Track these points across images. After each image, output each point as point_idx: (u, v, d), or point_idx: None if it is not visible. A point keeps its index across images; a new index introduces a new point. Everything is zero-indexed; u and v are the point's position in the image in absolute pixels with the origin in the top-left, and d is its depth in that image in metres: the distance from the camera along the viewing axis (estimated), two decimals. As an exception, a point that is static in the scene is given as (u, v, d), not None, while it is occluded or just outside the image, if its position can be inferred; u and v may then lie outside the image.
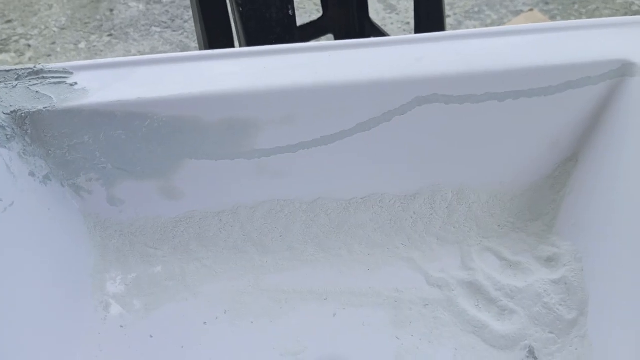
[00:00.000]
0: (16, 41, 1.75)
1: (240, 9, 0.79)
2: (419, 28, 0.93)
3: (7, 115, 0.46)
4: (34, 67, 0.49)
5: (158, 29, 1.71)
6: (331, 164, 0.48)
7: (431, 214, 0.48)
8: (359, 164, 0.48)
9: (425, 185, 0.48)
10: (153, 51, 1.63)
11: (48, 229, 0.47)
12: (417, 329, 0.44)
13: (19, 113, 0.46)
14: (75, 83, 0.47)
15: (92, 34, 1.73)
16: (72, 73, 0.48)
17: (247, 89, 0.45)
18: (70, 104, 0.45)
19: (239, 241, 0.50)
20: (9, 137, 0.46)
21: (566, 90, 0.45)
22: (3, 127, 0.46)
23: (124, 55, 1.63)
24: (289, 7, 0.80)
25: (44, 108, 0.46)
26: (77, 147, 0.47)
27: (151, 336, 0.46)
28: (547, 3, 1.61)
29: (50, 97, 0.46)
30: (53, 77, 0.48)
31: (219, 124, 0.46)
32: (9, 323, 0.41)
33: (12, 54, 1.72)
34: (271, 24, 0.80)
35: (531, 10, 1.57)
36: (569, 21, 0.47)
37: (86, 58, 1.64)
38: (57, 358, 0.44)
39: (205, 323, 0.46)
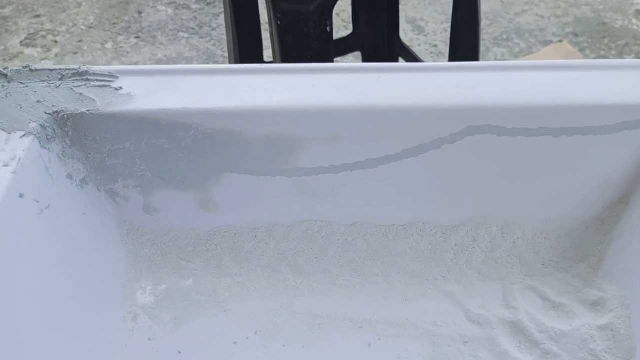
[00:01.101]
0: (43, 37, 1.76)
1: (279, 22, 0.78)
2: (455, 51, 0.92)
3: (49, 116, 0.45)
4: (79, 68, 0.49)
5: (185, 35, 1.72)
6: (373, 188, 0.47)
7: (473, 247, 0.47)
8: (402, 190, 0.47)
9: (470, 217, 0.47)
10: (179, 56, 1.64)
11: (82, 234, 0.46)
12: (454, 366, 0.42)
13: (61, 114, 0.45)
14: (121, 88, 0.46)
15: (120, 34, 1.74)
16: (117, 77, 0.47)
17: (294, 106, 0.44)
18: (114, 108, 0.45)
19: (273, 260, 0.49)
20: (49, 138, 0.45)
21: (622, 130, 0.43)
22: (44, 128, 0.45)
23: (150, 59, 1.63)
24: (328, 23, 0.80)
25: (87, 111, 0.45)
26: (118, 153, 0.46)
27: (180, 352, 0.44)
28: (576, 35, 1.61)
29: (94, 100, 0.46)
30: (97, 80, 0.48)
31: (263, 140, 0.45)
32: (38, 325, 0.40)
33: (39, 49, 1.73)
34: (308, 39, 0.80)
35: (560, 41, 1.56)
36: (628, 60, 0.46)
37: (112, 58, 1.65)
38: (81, 368, 0.42)
39: (235, 342, 0.45)
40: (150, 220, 0.49)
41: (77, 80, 0.48)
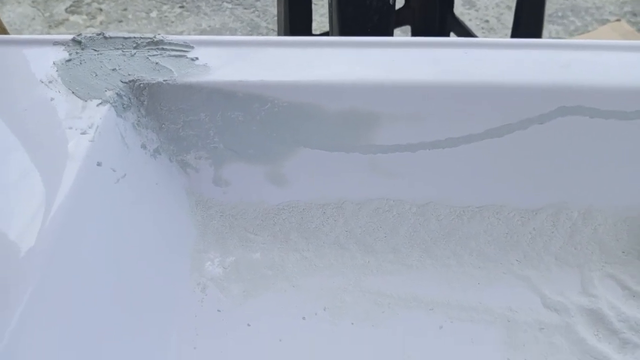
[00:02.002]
0: (88, 4, 1.77)
1: (340, -6, 0.77)
2: (518, 26, 0.89)
3: (125, 84, 0.45)
4: (154, 37, 0.48)
5: (229, 5, 1.70)
6: (451, 167, 0.45)
7: (552, 232, 0.46)
8: (481, 171, 0.45)
9: (551, 201, 0.46)
10: (223, 27, 1.63)
11: (154, 203, 0.46)
12: (530, 353, 0.41)
13: (137, 83, 0.45)
14: (197, 58, 0.46)
15: (164, 3, 1.73)
16: (192, 47, 0.47)
17: (374, 82, 0.43)
18: (191, 79, 0.44)
19: (341, 237, 0.48)
20: (125, 106, 0.45)
21: None
22: (120, 96, 0.45)
23: (194, 29, 1.63)
24: (391, -5, 0.77)
25: (164, 80, 0.45)
26: (192, 124, 0.46)
27: (249, 325, 0.44)
28: (635, 14, 1.54)
29: (171, 70, 0.45)
30: (173, 50, 0.47)
31: (340, 115, 0.44)
32: (112, 292, 0.40)
33: (84, 16, 1.74)
34: (369, 11, 0.78)
35: (618, 20, 1.50)
36: None
37: (157, 27, 1.65)
38: (154, 336, 0.43)
39: (304, 318, 0.44)
40: (220, 192, 0.49)
41: (152, 49, 0.48)
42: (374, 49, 0.45)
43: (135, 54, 0.47)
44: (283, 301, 0.46)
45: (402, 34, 1.51)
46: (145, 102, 0.45)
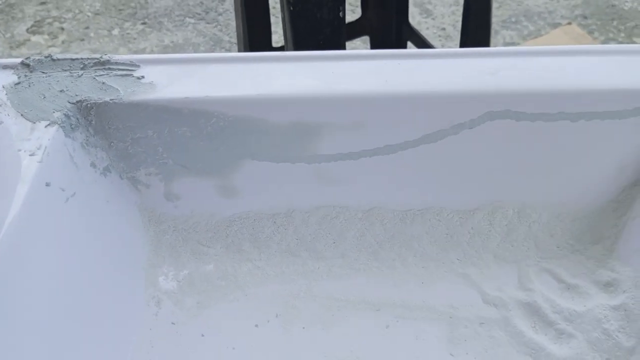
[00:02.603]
0: (50, 23, 1.76)
1: (291, 8, 0.79)
2: (466, 34, 0.92)
3: (73, 105, 0.46)
4: (101, 57, 0.49)
5: (192, 20, 1.71)
6: (391, 173, 0.47)
7: (489, 231, 0.48)
8: (420, 175, 0.47)
9: (486, 201, 0.48)
10: (186, 42, 1.64)
11: (105, 221, 0.47)
12: (471, 348, 0.43)
13: (84, 103, 0.46)
14: (143, 77, 0.47)
15: (126, 21, 1.74)
16: (139, 66, 0.48)
17: (316, 94, 0.45)
18: (137, 97, 0.45)
19: (292, 245, 0.50)
20: (73, 126, 0.46)
21: (639, 114, 0.44)
22: (68, 117, 0.46)
23: (157, 45, 1.63)
24: (341, 8, 0.80)
25: (110, 100, 0.46)
26: (140, 141, 0.47)
27: (202, 335, 0.46)
28: (585, 17, 1.60)
29: (117, 89, 0.46)
30: (120, 69, 0.48)
31: (284, 127, 0.46)
32: (65, 311, 0.41)
33: (45, 36, 1.73)
34: (321, 25, 0.80)
35: (569, 23, 1.55)
36: (643, 44, 0.46)
37: (119, 45, 1.65)
38: (109, 351, 0.44)
39: (256, 325, 0.46)
40: (172, 206, 0.50)
41: (99, 69, 0.49)
42: (315, 62, 0.47)
43: (82, 74, 0.48)
44: (236, 310, 0.47)
45: (362, 44, 1.54)
46: (93, 122, 0.47)
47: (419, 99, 0.44)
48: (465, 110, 0.44)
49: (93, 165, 0.47)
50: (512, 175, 0.47)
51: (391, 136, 0.46)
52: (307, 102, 0.44)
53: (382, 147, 0.46)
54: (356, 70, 0.46)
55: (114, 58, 0.49)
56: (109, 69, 0.49)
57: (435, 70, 0.45)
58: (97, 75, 0.48)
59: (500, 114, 0.43)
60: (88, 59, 0.49)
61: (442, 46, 1.51)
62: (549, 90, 0.42)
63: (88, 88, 0.47)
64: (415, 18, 1.59)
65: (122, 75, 0.48)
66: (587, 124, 0.44)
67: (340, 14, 0.80)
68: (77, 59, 0.50)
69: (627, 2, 1.63)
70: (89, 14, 1.77)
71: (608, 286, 0.45)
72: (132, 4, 1.78)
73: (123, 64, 0.48)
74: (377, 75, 0.45)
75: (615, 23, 1.58)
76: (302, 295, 0.47)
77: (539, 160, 0.46)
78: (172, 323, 0.46)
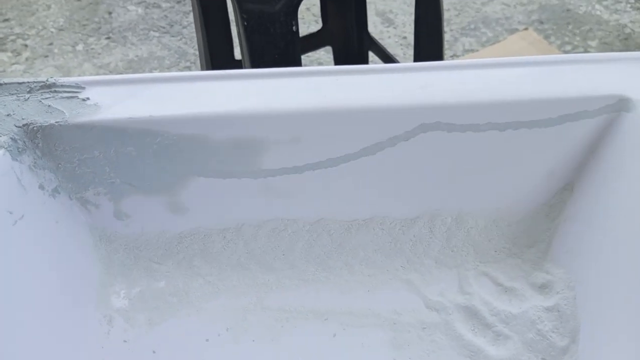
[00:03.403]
0: (13, 40, 1.75)
1: (245, 23, 0.80)
2: (418, 45, 0.95)
3: (19, 129, 0.47)
4: (47, 80, 0.50)
5: (156, 34, 1.72)
6: (335, 185, 0.49)
7: (430, 238, 0.50)
8: (363, 187, 0.49)
9: (426, 210, 0.50)
10: (151, 56, 1.64)
11: (55, 242, 0.48)
12: (414, 352, 0.45)
13: (31, 126, 0.47)
14: (88, 98, 0.48)
15: (90, 36, 1.73)
16: (84, 88, 0.49)
17: (255, 110, 0.46)
18: (82, 119, 0.46)
19: (243, 258, 0.51)
20: (20, 150, 0.47)
21: (564, 122, 0.46)
22: (15, 140, 0.46)
23: (122, 59, 1.63)
24: (293, 23, 0.82)
25: (56, 122, 0.47)
26: (87, 162, 0.48)
27: (154, 352, 0.46)
28: (541, 22, 1.64)
29: (63, 111, 0.47)
30: (65, 92, 0.49)
31: (227, 144, 0.47)
32: (13, 334, 0.42)
33: (9, 54, 1.72)
34: (275, 39, 0.82)
35: (526, 29, 1.60)
36: (568, 54, 0.49)
37: (84, 60, 1.65)
38: (60, 370, 0.44)
39: (207, 340, 0.47)
40: (122, 225, 0.51)
41: (45, 92, 0.50)
42: (257, 79, 0.49)
43: (29, 98, 0.49)
44: (187, 326, 0.48)
45: (325, 54, 1.56)
46: (40, 144, 0.47)
47: (355, 113, 0.45)
48: (400, 123, 0.45)
49: (41, 187, 0.47)
50: (449, 183, 0.49)
51: (332, 150, 0.47)
52: (247, 118, 0.46)
53: (325, 160, 0.48)
54: (295, 87, 0.47)
55: (59, 81, 0.50)
56: (55, 91, 0.49)
57: (370, 85, 0.47)
58: (43, 99, 0.49)
59: (432, 126, 0.45)
60: (34, 82, 0.50)
61: (404, 54, 1.54)
62: (475, 102, 0.45)
63: (34, 111, 0.48)
64: (377, 27, 1.62)
65: (67, 98, 0.49)
66: (514, 133, 0.46)
67: (294, 28, 0.82)
68: (23, 82, 0.50)
69: (581, 6, 1.69)
70: (53, 29, 1.76)
71: (543, 288, 0.47)
72: (96, 19, 1.78)
73: (68, 86, 0.49)
74: (315, 91, 0.47)
75: (570, 27, 1.63)
76: (252, 308, 0.49)
77: (472, 168, 0.48)
78: (124, 341, 0.47)
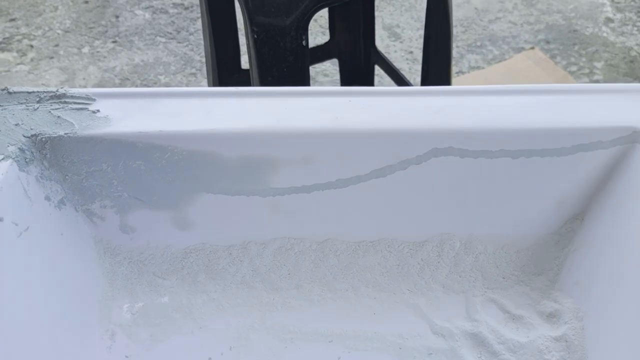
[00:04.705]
0: (19, 40, 1.75)
1: (255, 36, 0.80)
2: (427, 61, 0.95)
3: (28, 139, 0.46)
4: (57, 90, 0.50)
5: (163, 39, 1.72)
6: (343, 206, 0.49)
7: (438, 262, 0.49)
8: (371, 209, 0.49)
9: (434, 234, 0.49)
10: (157, 61, 1.64)
11: (60, 254, 0.47)
12: (420, 378, 0.45)
13: (39, 137, 0.46)
14: (98, 110, 0.48)
15: (97, 39, 1.73)
16: (94, 100, 0.49)
17: (268, 129, 0.46)
18: (91, 131, 0.46)
19: (247, 276, 0.50)
20: (27, 160, 0.46)
21: (577, 152, 0.46)
22: (22, 151, 0.46)
23: (127, 64, 1.63)
24: (303, 37, 0.81)
25: (65, 134, 0.46)
26: (95, 174, 0.47)
27: (156, 368, 0.46)
28: (548, 42, 1.65)
29: (72, 123, 0.47)
30: (75, 103, 0.49)
31: (237, 161, 0.47)
32: (15, 345, 0.41)
33: (14, 54, 1.72)
34: (284, 52, 0.82)
35: (532, 48, 1.60)
36: (582, 84, 0.49)
37: (89, 63, 1.65)
38: (60, 385, 0.44)
39: (210, 359, 0.46)
40: (127, 239, 0.50)
41: (54, 102, 0.49)
42: (269, 98, 0.49)
43: (38, 108, 0.49)
44: (190, 343, 0.47)
45: (332, 66, 1.56)
46: (47, 155, 0.47)
47: (368, 135, 0.45)
48: (412, 147, 0.45)
49: (47, 198, 0.47)
50: (459, 208, 0.48)
51: (342, 171, 0.47)
52: (258, 137, 0.45)
53: (334, 181, 0.48)
54: (308, 107, 0.47)
55: (70, 92, 0.49)
56: (65, 102, 0.49)
57: (384, 107, 0.46)
58: (52, 109, 0.49)
59: (444, 151, 0.45)
60: (44, 92, 0.50)
61: (409, 69, 1.54)
62: (489, 129, 0.44)
63: (43, 122, 0.48)
64: (384, 41, 1.62)
65: (77, 109, 0.48)
66: (527, 160, 0.46)
67: (303, 42, 0.81)
68: (33, 92, 0.50)
69: (588, 27, 1.69)
70: (59, 31, 1.76)
71: (551, 317, 0.47)
72: (103, 22, 1.78)
73: (79, 97, 0.49)
74: (328, 111, 0.46)
75: (576, 48, 1.63)
76: (256, 327, 0.48)
77: (483, 194, 0.48)
78: (126, 357, 0.46)
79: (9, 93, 0.50)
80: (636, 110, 0.46)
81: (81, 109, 0.48)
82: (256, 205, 0.49)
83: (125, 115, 0.47)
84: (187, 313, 0.49)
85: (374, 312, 0.48)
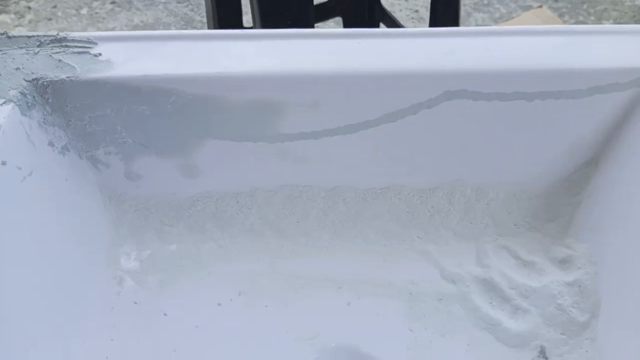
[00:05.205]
0: (16, 2, 1.71)
1: (258, -13, 0.78)
2: (434, 18, 0.92)
3: (29, 83, 0.45)
4: (57, 34, 0.48)
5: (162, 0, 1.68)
6: (353, 152, 0.48)
7: (449, 209, 0.49)
8: (381, 155, 0.48)
9: (445, 180, 0.49)
10: (157, 22, 1.61)
11: (64, 200, 0.46)
12: (430, 322, 0.44)
13: (40, 81, 0.45)
14: (100, 54, 0.46)
15: (95, 0, 1.70)
16: (96, 43, 0.47)
17: (275, 72, 0.45)
18: (94, 75, 0.45)
19: (256, 224, 0.50)
20: (29, 105, 0.45)
21: (593, 94, 0.45)
22: (24, 95, 0.45)
23: (127, 25, 1.60)
24: (308, -12, 0.79)
25: (66, 77, 0.45)
26: (98, 120, 0.46)
27: (165, 314, 0.46)
28: (556, 0, 1.61)
29: (74, 66, 0.46)
30: (76, 47, 0.47)
31: (244, 105, 0.46)
32: (22, 292, 0.41)
33: (12, 15, 1.68)
34: (288, 3, 0.79)
35: (540, 6, 1.57)
36: (597, 25, 0.47)
37: (88, 24, 1.61)
38: (69, 331, 0.44)
39: (219, 304, 0.46)
40: (133, 186, 0.49)
41: (55, 46, 0.48)
42: (276, 40, 0.47)
43: (38, 52, 0.47)
44: (199, 289, 0.47)
45: (335, 25, 1.53)
46: (50, 100, 0.46)
47: (377, 78, 0.44)
48: (423, 90, 0.44)
49: (51, 144, 0.46)
50: (470, 154, 0.47)
51: (351, 116, 0.46)
52: (266, 80, 0.44)
53: (343, 126, 0.47)
54: (316, 49, 0.46)
55: (70, 35, 0.48)
56: (66, 46, 0.48)
57: (394, 49, 0.45)
58: (53, 53, 0.47)
59: (457, 94, 0.44)
60: (44, 36, 0.48)
61: (415, 28, 1.51)
62: (502, 70, 0.43)
63: (44, 66, 0.46)
64: (388, 0, 1.59)
65: (78, 53, 0.47)
66: (541, 103, 0.44)
67: (308, -7, 0.79)
68: (33, 36, 0.48)
69: (597, -15, 1.65)
70: (57, -8, 1.73)
71: (563, 263, 0.46)
72: (101, -17, 1.74)
73: (80, 41, 0.47)
74: (336, 54, 0.45)
75: (585, 6, 1.59)
76: (265, 274, 0.48)
77: (495, 140, 0.46)
78: (135, 302, 0.46)
79: (9, 37, 0.48)
80: (655, 51, 0.45)
81: (82, 52, 0.47)
82: (263, 151, 0.48)
83: (128, 58, 0.46)
84: (195, 260, 0.48)
85: (383, 259, 0.48)
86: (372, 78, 0.44)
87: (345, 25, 1.09)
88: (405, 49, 0.45)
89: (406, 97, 0.44)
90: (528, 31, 0.46)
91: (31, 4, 1.69)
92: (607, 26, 0.47)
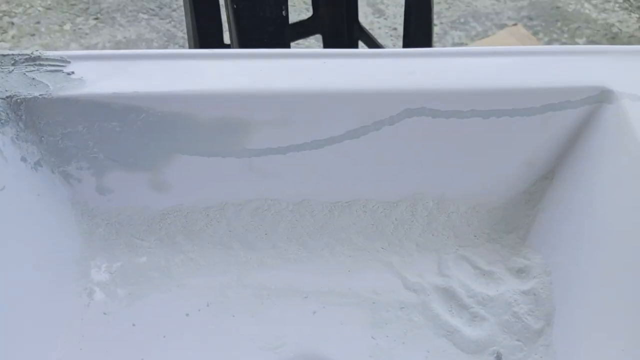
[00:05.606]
0: (-1, 18, 1.72)
1: (235, 6, 0.80)
2: (408, 36, 0.95)
3: (3, 100, 0.47)
4: (32, 53, 0.50)
5: (145, 16, 1.70)
6: (319, 167, 0.49)
7: (412, 221, 0.50)
8: (346, 169, 0.50)
9: (408, 194, 0.50)
10: (139, 38, 1.62)
11: (36, 215, 0.47)
12: (392, 330, 0.46)
13: (14, 98, 0.46)
14: (72, 72, 0.48)
15: (78, 16, 1.71)
16: (69, 62, 0.49)
17: (243, 90, 0.46)
18: (66, 92, 0.46)
19: (225, 237, 0.51)
20: (3, 121, 0.46)
21: (547, 112, 0.47)
22: (-3, 111, 0.46)
23: (109, 40, 1.62)
24: (283, 7, 0.81)
25: (39, 95, 0.46)
26: (70, 136, 0.48)
27: (134, 325, 0.47)
28: (530, 19, 1.66)
29: (47, 84, 0.47)
30: (50, 65, 0.49)
31: (212, 122, 0.47)
32: (-7, 305, 0.42)
33: (-6, 31, 1.69)
34: (264, 23, 0.81)
35: (515, 24, 1.61)
36: (553, 46, 0.50)
37: (71, 40, 1.63)
38: (38, 342, 0.44)
39: (187, 314, 0.47)
40: (104, 200, 0.51)
41: (29, 65, 0.49)
42: (245, 60, 0.49)
43: (12, 70, 0.49)
44: (168, 300, 0.48)
45: (316, 42, 1.56)
46: (23, 117, 0.47)
47: (341, 96, 0.46)
48: (385, 107, 0.46)
49: (24, 159, 0.47)
50: (431, 168, 0.49)
51: (317, 132, 0.48)
52: (233, 98, 0.46)
53: (310, 142, 0.48)
54: (283, 68, 0.47)
55: (44, 54, 0.49)
56: (40, 64, 0.49)
57: (358, 69, 0.47)
58: (27, 71, 0.49)
59: (417, 111, 0.46)
60: (19, 55, 0.50)
61: (394, 45, 1.54)
62: (460, 89, 0.45)
63: (18, 84, 0.48)
64: (368, 17, 1.62)
65: (52, 71, 0.48)
66: (497, 120, 0.47)
67: (283, 12, 0.81)
68: (8, 54, 0.50)
69: (570, 4, 1.70)
70: (40, 8, 1.74)
71: (520, 272, 0.48)
72: (85, -1, 1.76)
73: (53, 59, 0.49)
74: (303, 73, 0.47)
75: (559, 24, 1.64)
76: (234, 285, 0.49)
77: (455, 154, 0.48)
78: (104, 313, 0.47)
79: (-17, 56, 0.50)
80: (604, 71, 0.47)
81: (56, 70, 0.48)
82: (232, 166, 0.49)
83: (100, 76, 0.47)
84: (165, 272, 0.49)
85: (348, 270, 0.49)
86: (336, 96, 0.46)
87: (325, 43, 1.11)
88: (370, 68, 0.47)
89: (369, 115, 0.46)
90: (485, 52, 0.48)
91: (14, 20, 1.70)
92: (561, 47, 0.50)
